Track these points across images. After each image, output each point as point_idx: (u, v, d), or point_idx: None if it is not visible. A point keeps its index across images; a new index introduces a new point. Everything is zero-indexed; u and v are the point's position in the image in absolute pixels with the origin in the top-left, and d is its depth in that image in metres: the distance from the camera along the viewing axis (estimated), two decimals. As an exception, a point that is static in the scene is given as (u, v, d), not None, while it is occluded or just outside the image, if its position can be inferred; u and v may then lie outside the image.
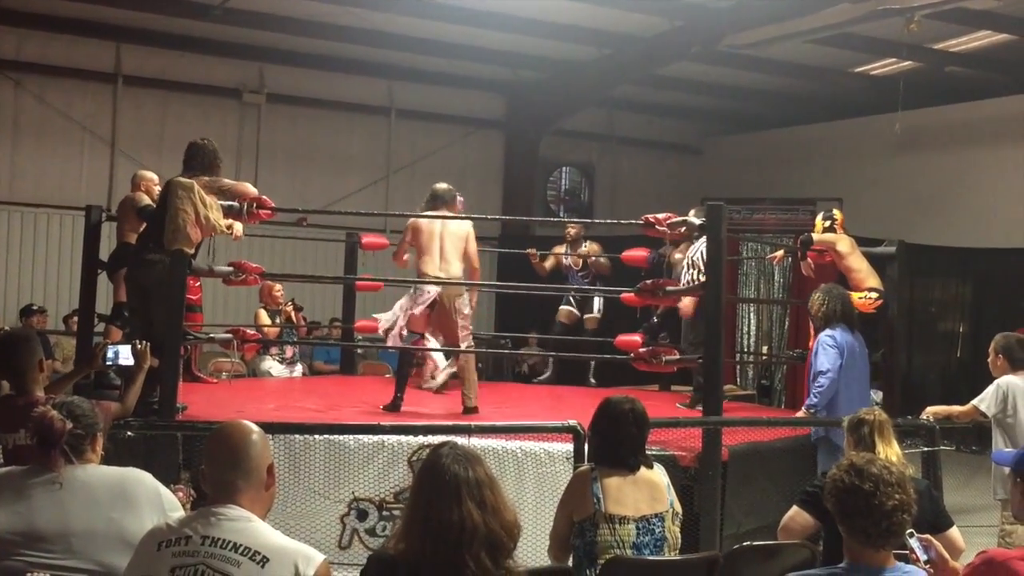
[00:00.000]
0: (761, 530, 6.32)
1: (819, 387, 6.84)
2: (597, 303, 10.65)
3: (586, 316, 10.72)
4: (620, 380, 10.13)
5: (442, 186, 8.01)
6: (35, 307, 12.04)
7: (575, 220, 11.17)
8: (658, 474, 4.14)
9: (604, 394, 4.53)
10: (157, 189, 8.17)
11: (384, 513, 6.15)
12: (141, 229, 7.87)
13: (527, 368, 13.37)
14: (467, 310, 7.71)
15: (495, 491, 2.77)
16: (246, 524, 2.79)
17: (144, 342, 5.13)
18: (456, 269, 7.67)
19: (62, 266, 13.27)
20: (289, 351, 10.93)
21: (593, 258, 10.57)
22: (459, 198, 9.40)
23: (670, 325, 9.62)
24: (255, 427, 2.94)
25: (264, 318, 10.65)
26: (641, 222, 7.19)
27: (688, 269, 8.58)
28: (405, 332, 7.60)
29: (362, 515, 6.16)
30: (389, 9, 12.66)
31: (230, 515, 2.79)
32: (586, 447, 4.85)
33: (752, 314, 13.10)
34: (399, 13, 12.83)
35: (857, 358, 7.05)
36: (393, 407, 7.56)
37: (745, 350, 12.94)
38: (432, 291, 7.54)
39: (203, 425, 5.72)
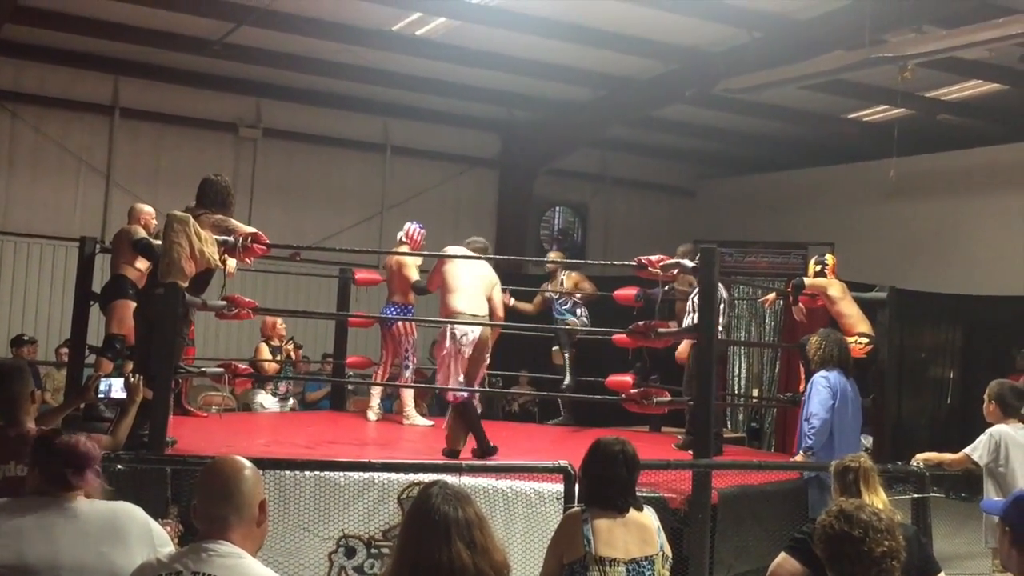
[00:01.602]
0: (750, 574, 6.31)
1: (812, 428, 6.91)
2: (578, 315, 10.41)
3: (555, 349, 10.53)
4: (610, 420, 10.11)
5: (479, 243, 8.25)
6: (26, 337, 12.00)
7: (552, 258, 10.87)
8: (648, 517, 4.14)
9: (594, 435, 4.53)
10: (155, 223, 8.19)
11: (372, 551, 6.11)
12: (137, 262, 7.91)
13: (517, 407, 13.35)
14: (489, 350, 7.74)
15: (485, 531, 2.77)
16: (237, 560, 2.77)
17: (137, 376, 5.12)
18: (485, 308, 7.68)
19: (54, 297, 13.25)
20: (283, 387, 10.93)
21: (577, 294, 10.40)
22: (421, 230, 9.48)
23: (661, 366, 9.63)
24: (248, 462, 2.93)
25: (266, 353, 10.67)
26: (634, 263, 7.23)
27: (690, 313, 8.58)
28: (462, 378, 7.45)
29: (350, 552, 6.13)
30: (386, 47, 12.75)
31: (221, 551, 2.77)
32: (576, 488, 4.85)
33: (743, 357, 13.12)
34: (396, 51, 12.92)
35: (849, 402, 7.09)
36: (484, 453, 7.37)
37: (736, 393, 12.94)
38: (475, 330, 7.48)
39: (193, 459, 5.70)
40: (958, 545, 7.88)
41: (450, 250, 8.08)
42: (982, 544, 6.32)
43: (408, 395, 9.67)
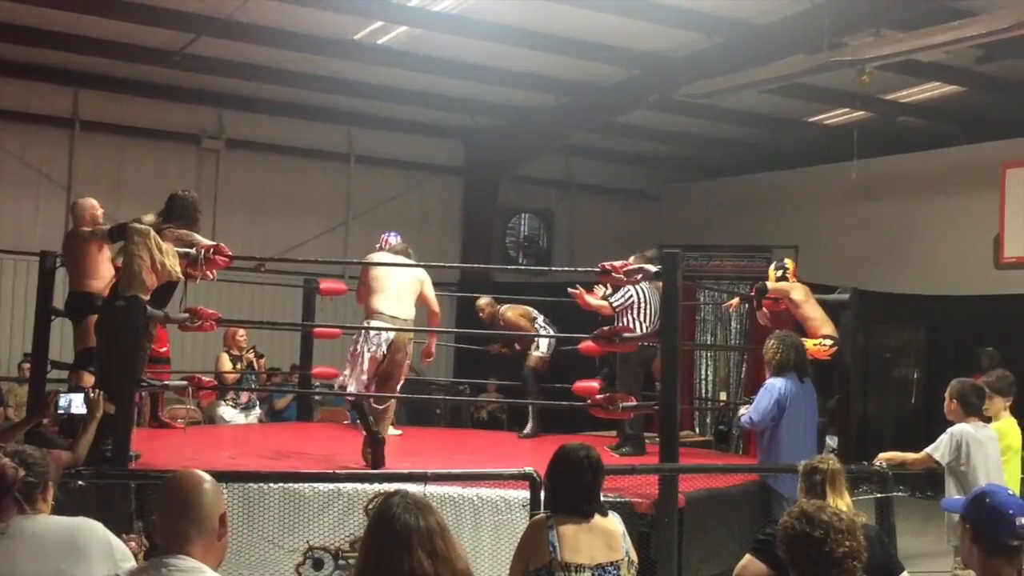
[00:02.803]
0: (720, 576, 6.33)
1: (748, 420, 7.06)
2: (541, 343, 9.83)
3: (531, 353, 9.89)
4: (578, 426, 10.10)
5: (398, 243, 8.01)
6: (-14, 353, 11.87)
7: (483, 297, 10.16)
8: (613, 522, 4.14)
9: (560, 441, 4.54)
10: (100, 212, 7.94)
11: (340, 562, 6.08)
12: (100, 272, 7.74)
13: (486, 415, 13.34)
14: (410, 356, 7.58)
15: (447, 540, 2.76)
16: (197, 575, 2.76)
17: (98, 391, 5.08)
18: (410, 312, 7.56)
19: (15, 312, 13.12)
20: (245, 397, 10.83)
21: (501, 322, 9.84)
22: (392, 239, 9.33)
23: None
24: (207, 476, 2.91)
25: (226, 362, 10.58)
26: (598, 269, 7.24)
27: (628, 312, 8.55)
28: (365, 378, 7.22)
29: (318, 564, 6.10)
30: (348, 57, 12.74)
31: (181, 566, 2.75)
32: (542, 494, 4.85)
33: (710, 360, 13.15)
34: (358, 61, 12.91)
35: (802, 406, 7.09)
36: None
37: (703, 396, 12.97)
38: (390, 334, 7.31)
39: (156, 474, 5.65)
40: (923, 544, 7.93)
41: (380, 257, 7.90)
42: (945, 542, 6.37)
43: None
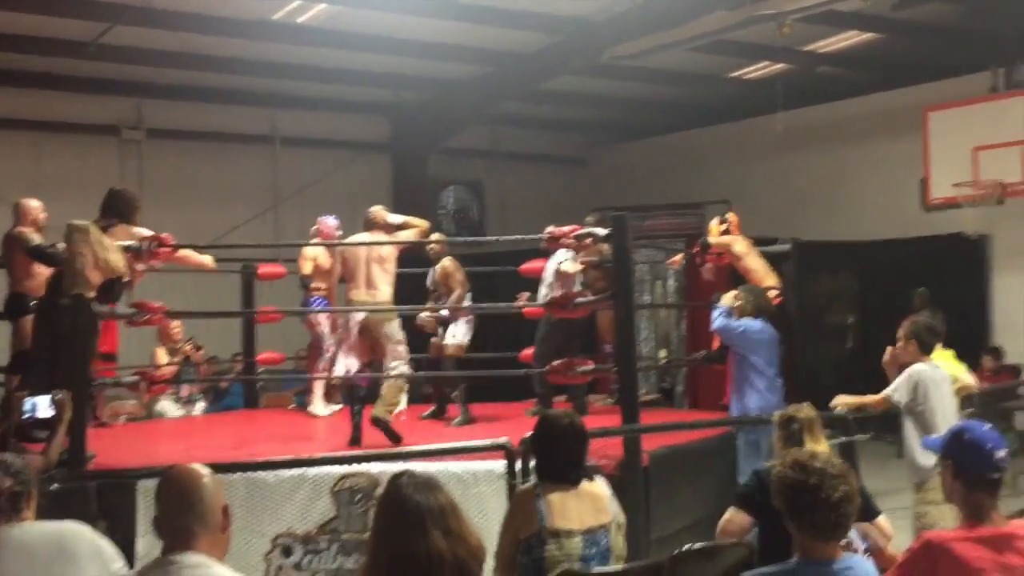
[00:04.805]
0: (686, 530, 6.42)
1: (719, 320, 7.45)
2: (456, 328, 9.02)
3: (446, 343, 9.04)
4: (504, 396, 9.90)
5: (371, 209, 8.26)
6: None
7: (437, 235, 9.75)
8: (600, 486, 4.17)
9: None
10: (43, 216, 7.77)
11: (310, 547, 6.06)
12: (34, 269, 7.57)
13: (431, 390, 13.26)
14: (398, 335, 7.60)
15: (459, 517, 2.76)
16: (206, 570, 2.73)
17: (65, 392, 4.99)
18: (384, 294, 7.62)
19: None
20: (185, 391, 10.68)
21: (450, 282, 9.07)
22: (329, 222, 9.39)
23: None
24: (205, 469, 2.88)
25: (162, 357, 10.42)
26: (544, 236, 7.26)
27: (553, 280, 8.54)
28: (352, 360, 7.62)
29: (287, 551, 6.08)
30: (268, 38, 12.55)
31: (188, 562, 2.72)
32: (519, 464, 4.88)
33: (648, 320, 13.22)
34: (278, 41, 12.72)
35: (775, 350, 7.35)
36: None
37: (644, 356, 13.03)
38: (356, 318, 7.57)
39: (132, 473, 5.59)
40: (880, 483, 8.09)
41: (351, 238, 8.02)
42: (903, 482, 6.48)
43: (316, 386, 9.68)
